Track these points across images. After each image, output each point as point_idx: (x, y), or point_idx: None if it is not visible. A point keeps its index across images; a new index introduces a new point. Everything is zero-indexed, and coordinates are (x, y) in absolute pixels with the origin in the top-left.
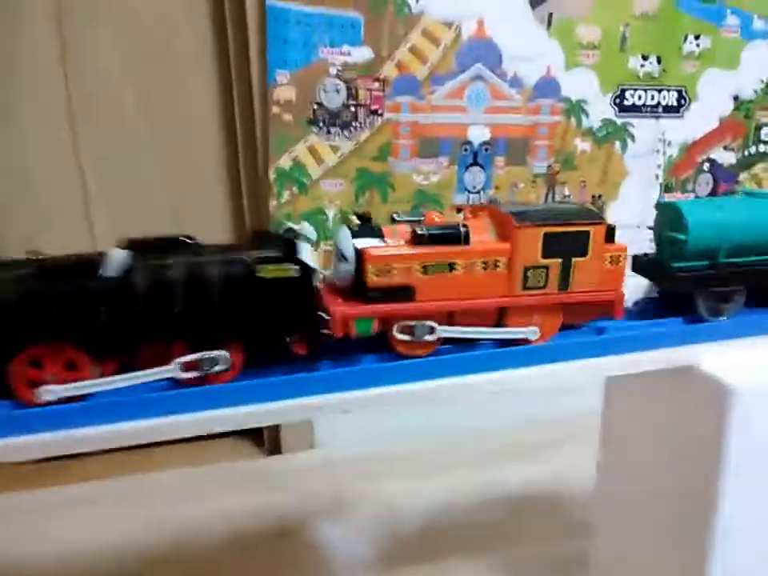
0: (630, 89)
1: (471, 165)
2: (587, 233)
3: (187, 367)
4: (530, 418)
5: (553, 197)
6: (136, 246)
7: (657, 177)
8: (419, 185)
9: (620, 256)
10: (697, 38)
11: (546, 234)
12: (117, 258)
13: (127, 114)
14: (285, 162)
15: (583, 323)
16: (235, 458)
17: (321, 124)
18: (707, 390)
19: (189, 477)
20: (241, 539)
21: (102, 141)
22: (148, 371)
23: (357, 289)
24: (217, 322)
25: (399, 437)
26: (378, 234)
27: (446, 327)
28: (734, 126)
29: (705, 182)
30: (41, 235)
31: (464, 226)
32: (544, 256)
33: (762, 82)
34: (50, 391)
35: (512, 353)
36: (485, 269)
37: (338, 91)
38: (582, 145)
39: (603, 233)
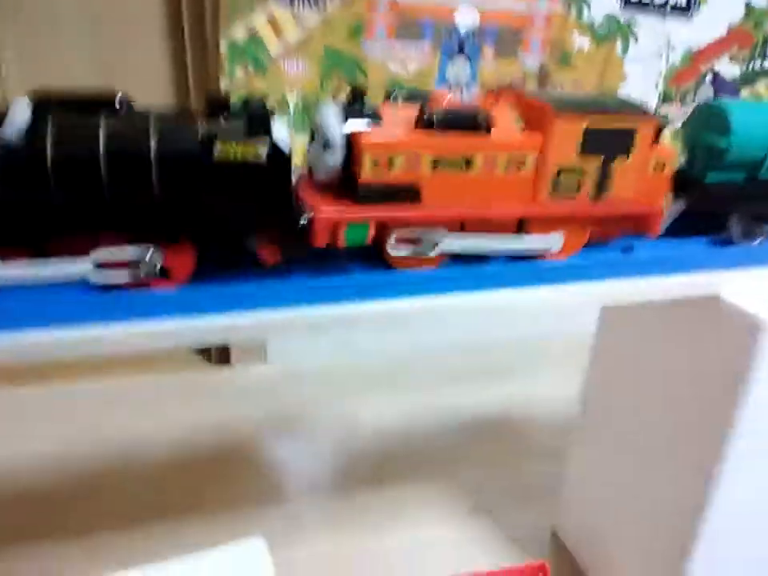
0: None
1: (456, 54)
2: (633, 129)
3: (109, 266)
4: (506, 338)
5: None
6: (51, 102)
7: (656, 85)
8: (395, 74)
9: (665, 162)
10: None
11: (587, 129)
12: (21, 114)
13: None
14: (239, 32)
15: (610, 239)
16: (176, 367)
17: None
18: (732, 323)
19: (126, 387)
20: (185, 457)
21: None
22: (54, 266)
23: (345, 186)
24: (157, 212)
25: (361, 352)
26: (373, 114)
27: (456, 240)
28: (741, 34)
29: (705, 95)
30: None
31: (485, 110)
32: (581, 155)
33: None
34: None
35: (527, 268)
36: (507, 167)
37: None
38: (581, 40)
39: (653, 131)
